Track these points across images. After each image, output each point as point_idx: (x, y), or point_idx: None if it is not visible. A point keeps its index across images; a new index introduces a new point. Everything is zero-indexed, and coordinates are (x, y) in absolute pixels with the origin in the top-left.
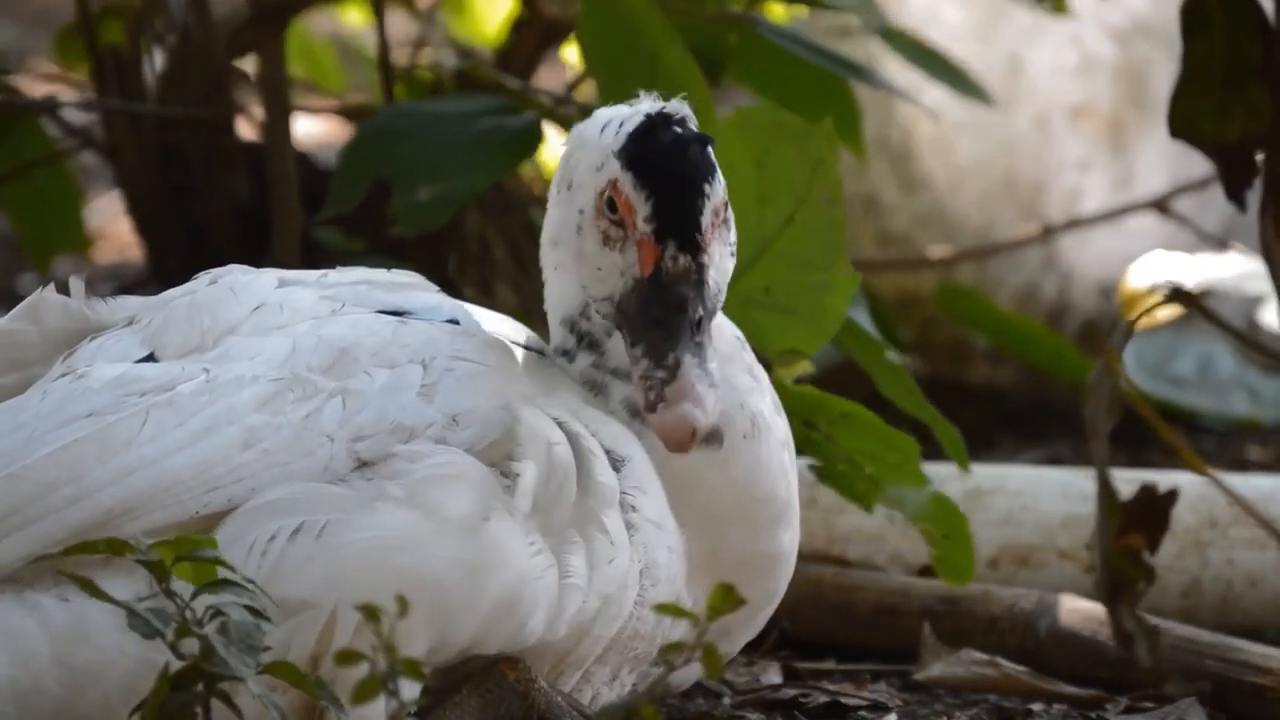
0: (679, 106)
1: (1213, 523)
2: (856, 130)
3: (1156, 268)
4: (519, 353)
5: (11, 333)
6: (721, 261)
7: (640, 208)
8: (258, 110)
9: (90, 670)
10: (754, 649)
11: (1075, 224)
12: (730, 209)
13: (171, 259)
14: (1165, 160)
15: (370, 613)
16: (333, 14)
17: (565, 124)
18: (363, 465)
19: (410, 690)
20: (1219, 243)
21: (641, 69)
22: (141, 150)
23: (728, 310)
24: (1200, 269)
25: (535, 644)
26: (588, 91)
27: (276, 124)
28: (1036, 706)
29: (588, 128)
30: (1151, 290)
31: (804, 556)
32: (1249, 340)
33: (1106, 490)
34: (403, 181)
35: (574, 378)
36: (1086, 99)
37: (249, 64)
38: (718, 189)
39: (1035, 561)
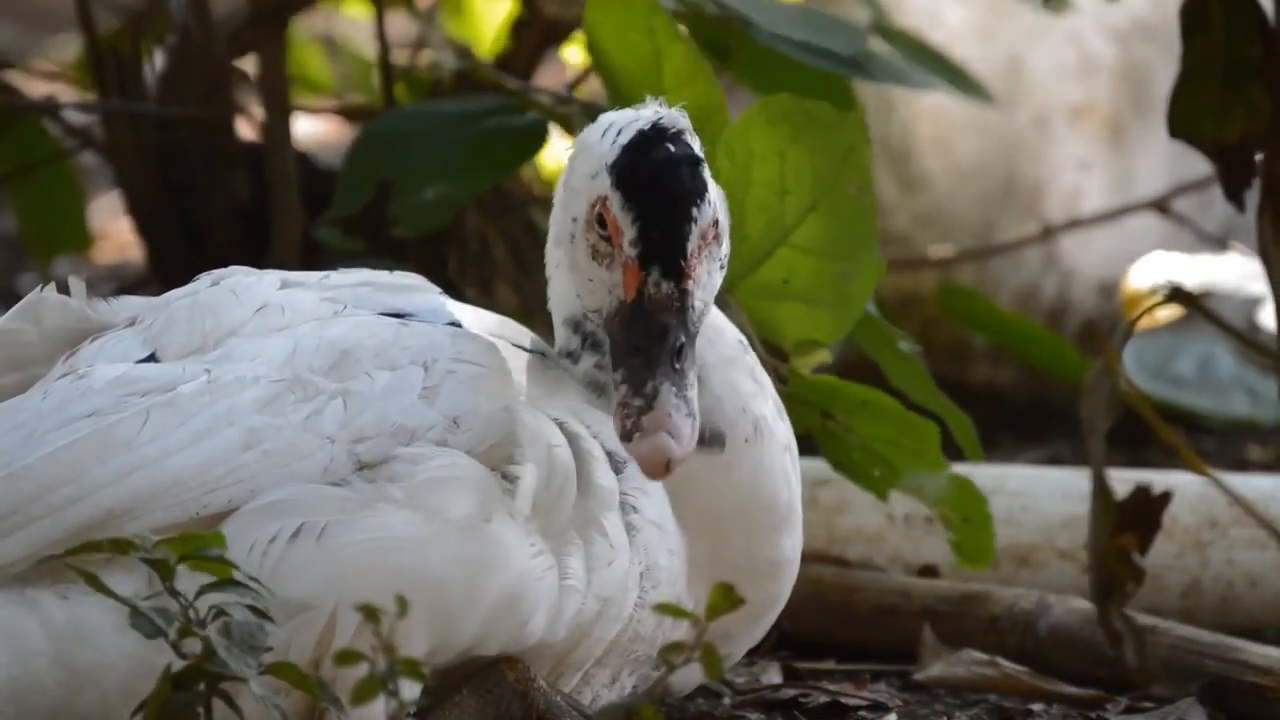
0: (676, 119)
1: (1213, 523)
2: None
3: (1157, 268)
4: (521, 355)
5: (11, 332)
6: (709, 279)
7: (627, 230)
8: (258, 110)
9: (89, 670)
10: (754, 649)
11: (1075, 224)
12: (724, 224)
13: (171, 259)
14: (1165, 160)
15: (370, 613)
16: (326, 13)
17: (566, 124)
18: (363, 467)
19: (410, 690)
20: (1219, 243)
21: (649, 65)
22: (141, 150)
23: (743, 301)
24: (1200, 269)
25: (535, 645)
26: (588, 91)
27: (276, 124)
28: (1036, 706)
29: (591, 132)
30: (1151, 290)
31: (804, 557)
32: (1249, 340)
33: (1102, 489)
34: (407, 182)
35: (577, 379)
36: (1086, 99)
37: (249, 64)
38: (706, 212)
39: (1035, 561)
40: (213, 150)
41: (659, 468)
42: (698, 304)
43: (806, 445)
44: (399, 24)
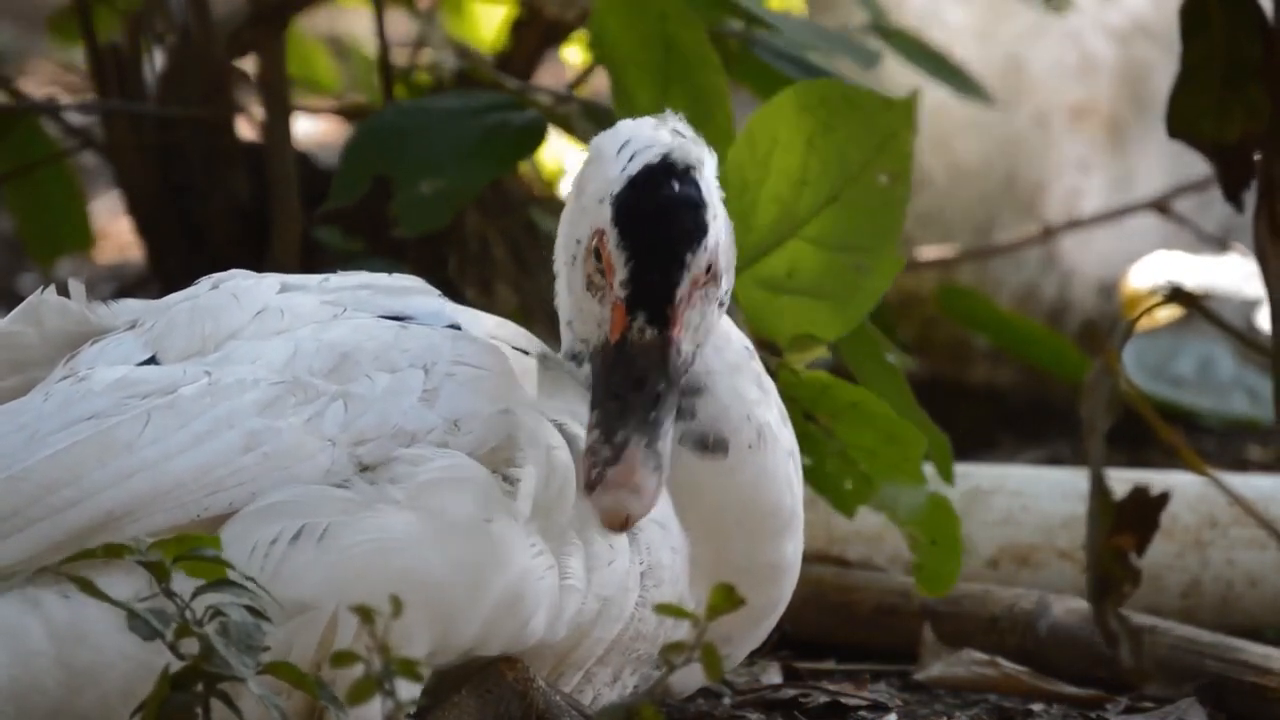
0: (687, 152)
1: (1213, 523)
2: None
3: (1156, 268)
4: (521, 357)
5: (12, 335)
6: (703, 321)
7: (619, 269)
8: (258, 110)
9: (89, 671)
10: (754, 650)
11: (1075, 224)
12: (725, 261)
13: (171, 259)
14: (1165, 160)
15: (365, 614)
16: (331, 13)
17: (565, 123)
18: (364, 469)
19: (408, 691)
20: (1219, 243)
21: (657, 56)
22: (141, 150)
23: (740, 293)
24: (1200, 269)
25: (535, 645)
26: (588, 90)
27: (276, 124)
28: (1036, 706)
29: (607, 142)
30: (1151, 291)
31: (804, 557)
32: (1249, 341)
33: (1100, 489)
34: (405, 178)
35: (581, 381)
36: (1086, 99)
37: (249, 64)
38: (701, 258)
39: (1035, 561)
40: (213, 150)
41: (617, 524)
42: (685, 349)
43: None
44: (399, 24)
